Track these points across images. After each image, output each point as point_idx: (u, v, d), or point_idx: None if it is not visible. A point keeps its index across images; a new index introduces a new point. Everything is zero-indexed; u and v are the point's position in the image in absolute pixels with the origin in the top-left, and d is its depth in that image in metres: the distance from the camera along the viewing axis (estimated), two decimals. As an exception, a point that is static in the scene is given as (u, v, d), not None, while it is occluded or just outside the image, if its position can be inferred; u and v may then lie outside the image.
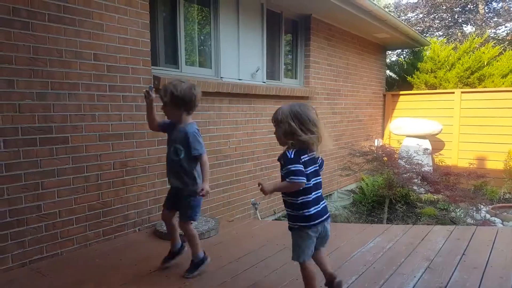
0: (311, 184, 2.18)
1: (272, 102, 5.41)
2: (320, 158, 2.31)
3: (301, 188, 2.13)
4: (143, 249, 3.31)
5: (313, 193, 2.19)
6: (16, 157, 2.85)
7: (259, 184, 2.20)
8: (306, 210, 2.16)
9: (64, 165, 3.14)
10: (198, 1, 4.60)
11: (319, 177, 2.27)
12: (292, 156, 2.13)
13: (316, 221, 2.18)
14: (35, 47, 2.90)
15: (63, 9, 3.05)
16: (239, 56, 5.03)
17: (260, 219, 5.13)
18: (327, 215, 2.27)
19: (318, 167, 2.27)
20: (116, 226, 3.55)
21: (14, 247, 2.87)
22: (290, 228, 2.26)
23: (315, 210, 2.18)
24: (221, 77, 4.75)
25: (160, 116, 2.84)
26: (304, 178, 2.10)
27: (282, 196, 2.28)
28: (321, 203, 2.24)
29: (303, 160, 2.16)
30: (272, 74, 5.81)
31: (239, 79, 5.03)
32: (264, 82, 5.44)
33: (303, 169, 2.12)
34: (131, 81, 3.58)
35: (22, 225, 2.91)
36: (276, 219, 5.55)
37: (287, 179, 2.11)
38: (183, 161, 2.63)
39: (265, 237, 3.67)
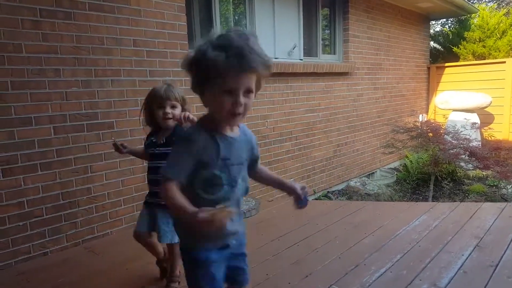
0: None
1: (309, 80, 5.33)
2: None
3: None
4: (187, 228, 3.42)
5: None
6: (65, 142, 3.00)
7: None
8: None
9: (111, 149, 3.26)
10: (233, -20, 4.56)
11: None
12: None
13: None
14: (78, 36, 3.01)
15: (102, -3, 3.12)
16: (275, 34, 4.96)
17: (301, 198, 5.13)
18: None
19: None
20: (161, 207, 3.68)
21: (68, 228, 3.06)
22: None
23: None
24: (258, 57, 4.72)
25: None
26: None
27: None
28: None
29: None
30: (309, 50, 5.70)
31: (276, 58, 4.98)
32: (301, 60, 5.36)
33: None
34: (170, 65, 3.63)
35: (74, 207, 3.08)
36: (316, 199, 5.55)
37: None
38: None
39: (305, 216, 3.68)
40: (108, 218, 3.31)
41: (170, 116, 2.16)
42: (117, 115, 3.29)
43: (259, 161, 1.57)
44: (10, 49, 2.67)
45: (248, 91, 1.27)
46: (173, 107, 2.17)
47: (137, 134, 3.42)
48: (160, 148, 2.20)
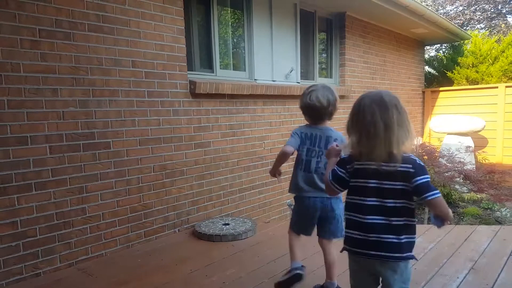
0: None
1: (306, 103, 5.37)
2: None
3: None
4: (183, 249, 3.38)
5: None
6: (61, 162, 2.98)
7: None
8: None
9: (107, 169, 3.26)
10: (231, 4, 4.65)
11: None
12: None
13: None
14: (77, 56, 3.03)
15: (102, 18, 3.17)
16: (273, 57, 5.04)
17: (297, 220, 5.10)
18: None
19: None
20: (157, 227, 3.65)
21: (62, 248, 3.02)
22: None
23: None
24: (255, 79, 4.78)
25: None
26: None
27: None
28: None
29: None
30: (306, 74, 5.78)
31: (273, 81, 5.04)
32: (299, 83, 5.42)
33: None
34: (169, 86, 3.67)
35: (68, 227, 3.04)
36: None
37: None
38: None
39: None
40: (103, 239, 3.26)
41: None
42: (114, 135, 3.29)
43: None
44: (8, 68, 2.69)
45: None
46: None
47: (133, 154, 3.42)
48: None
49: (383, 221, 1.66)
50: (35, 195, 2.86)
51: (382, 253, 1.66)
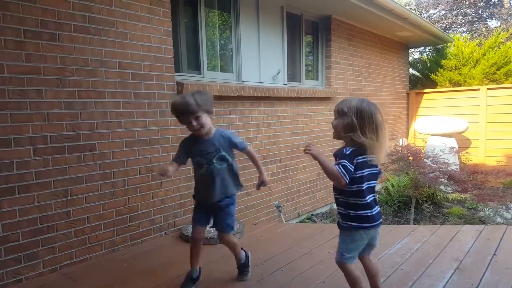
0: (364, 187, 2.06)
1: (293, 104, 5.40)
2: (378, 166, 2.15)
3: (354, 190, 2.06)
4: (169, 253, 3.35)
5: (367, 197, 2.08)
6: (45, 164, 2.93)
7: (307, 147, 2.09)
8: (361, 211, 2.08)
9: (92, 171, 3.21)
10: (219, 6, 4.63)
11: (373, 181, 2.12)
12: (348, 152, 2.02)
13: (368, 224, 2.09)
14: (62, 57, 2.98)
15: (88, 19, 3.12)
16: (260, 59, 5.04)
17: (285, 221, 5.11)
18: (379, 221, 2.15)
19: (377, 172, 2.13)
20: (143, 231, 3.60)
21: (45, 253, 2.95)
22: (340, 226, 2.17)
23: (369, 213, 2.09)
24: (242, 81, 4.77)
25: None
26: (348, 178, 1.98)
27: (335, 195, 2.21)
28: (376, 207, 2.13)
29: (358, 161, 2.02)
30: (293, 76, 5.80)
31: (261, 82, 5.04)
32: (285, 85, 5.43)
33: (353, 170, 2.00)
34: (156, 87, 3.63)
35: (52, 231, 2.98)
36: (300, 222, 5.53)
37: (336, 165, 2.01)
38: (232, 164, 2.58)
39: (289, 240, 3.65)
40: (88, 243, 3.21)
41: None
42: (100, 136, 3.24)
43: None
44: (-9, 69, 2.63)
45: None
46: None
47: (118, 156, 3.37)
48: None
49: None
50: (18, 198, 2.79)
51: None
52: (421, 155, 6.05)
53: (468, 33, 16.73)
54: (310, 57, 6.28)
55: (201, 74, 4.30)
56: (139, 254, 3.34)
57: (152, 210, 3.66)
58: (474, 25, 18.27)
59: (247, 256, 2.80)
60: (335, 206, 5.94)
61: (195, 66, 4.32)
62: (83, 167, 3.15)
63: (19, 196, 2.80)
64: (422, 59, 11.44)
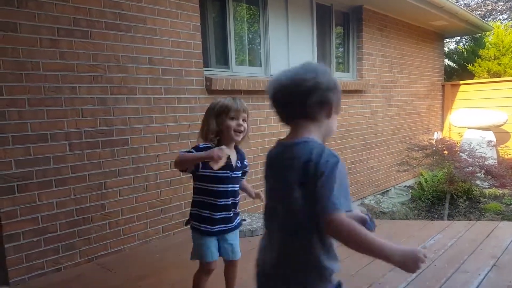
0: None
1: (323, 98, 5.33)
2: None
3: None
4: (200, 246, 3.39)
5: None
6: (80, 159, 3.03)
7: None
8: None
9: (125, 165, 3.29)
10: (247, 0, 4.63)
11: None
12: None
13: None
14: (95, 54, 3.07)
15: (119, 16, 3.19)
16: (289, 52, 5.00)
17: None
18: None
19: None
20: (175, 223, 3.67)
21: (82, 244, 3.07)
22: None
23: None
24: (270, 75, 4.76)
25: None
26: None
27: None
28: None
29: None
30: (323, 69, 5.72)
31: (290, 76, 5.01)
32: (315, 78, 5.37)
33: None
34: (185, 83, 3.68)
35: (88, 223, 3.09)
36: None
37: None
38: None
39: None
40: (122, 235, 3.31)
41: (242, 129, 2.12)
42: (132, 131, 3.32)
43: None
44: (28, 67, 2.73)
45: None
46: (244, 120, 2.14)
47: (151, 150, 3.44)
48: (236, 172, 2.18)
49: None
50: (56, 191, 2.91)
51: None
52: (456, 149, 5.86)
53: (509, 21, 15.97)
54: (341, 49, 6.18)
55: (229, 69, 4.31)
56: (172, 246, 3.41)
57: (183, 203, 3.72)
58: (516, 12, 17.41)
59: None
60: (366, 201, 5.85)
61: (224, 61, 4.34)
62: (117, 161, 3.24)
63: (56, 189, 2.91)
64: (458, 49, 11.03)
